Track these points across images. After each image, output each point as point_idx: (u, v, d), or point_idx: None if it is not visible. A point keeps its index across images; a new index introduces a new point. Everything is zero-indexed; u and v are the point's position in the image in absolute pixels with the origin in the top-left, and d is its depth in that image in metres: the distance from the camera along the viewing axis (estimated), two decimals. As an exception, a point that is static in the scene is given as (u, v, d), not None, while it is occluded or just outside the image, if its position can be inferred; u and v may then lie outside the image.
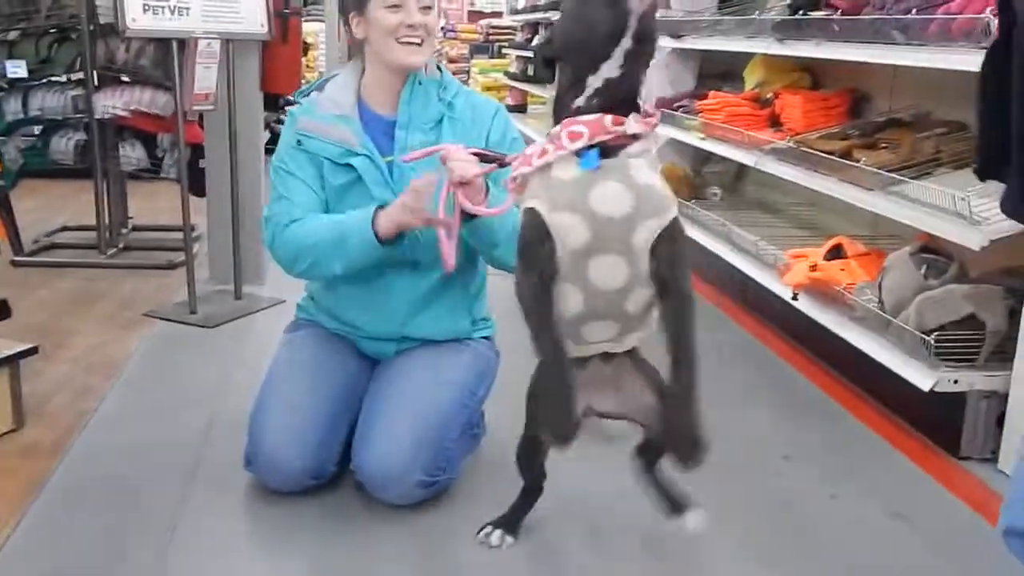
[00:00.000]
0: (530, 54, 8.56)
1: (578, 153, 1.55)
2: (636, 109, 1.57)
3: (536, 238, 1.58)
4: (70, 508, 2.10)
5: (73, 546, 1.95)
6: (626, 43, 1.50)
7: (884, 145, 2.96)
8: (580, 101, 1.56)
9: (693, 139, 4.03)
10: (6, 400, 2.49)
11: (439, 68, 2.22)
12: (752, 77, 3.91)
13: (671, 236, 1.60)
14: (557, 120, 1.60)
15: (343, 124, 2.12)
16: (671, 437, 1.67)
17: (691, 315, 1.63)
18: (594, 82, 1.54)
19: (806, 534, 2.05)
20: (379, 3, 2.06)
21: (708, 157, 4.39)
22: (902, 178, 2.66)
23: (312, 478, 2.08)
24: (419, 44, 2.08)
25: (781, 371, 3.10)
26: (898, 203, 2.63)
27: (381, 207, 2.01)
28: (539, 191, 1.59)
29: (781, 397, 2.86)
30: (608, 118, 1.54)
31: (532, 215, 1.58)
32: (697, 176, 4.50)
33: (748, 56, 3.97)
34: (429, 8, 2.08)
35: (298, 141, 2.14)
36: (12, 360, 2.49)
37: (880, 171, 2.73)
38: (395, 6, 2.05)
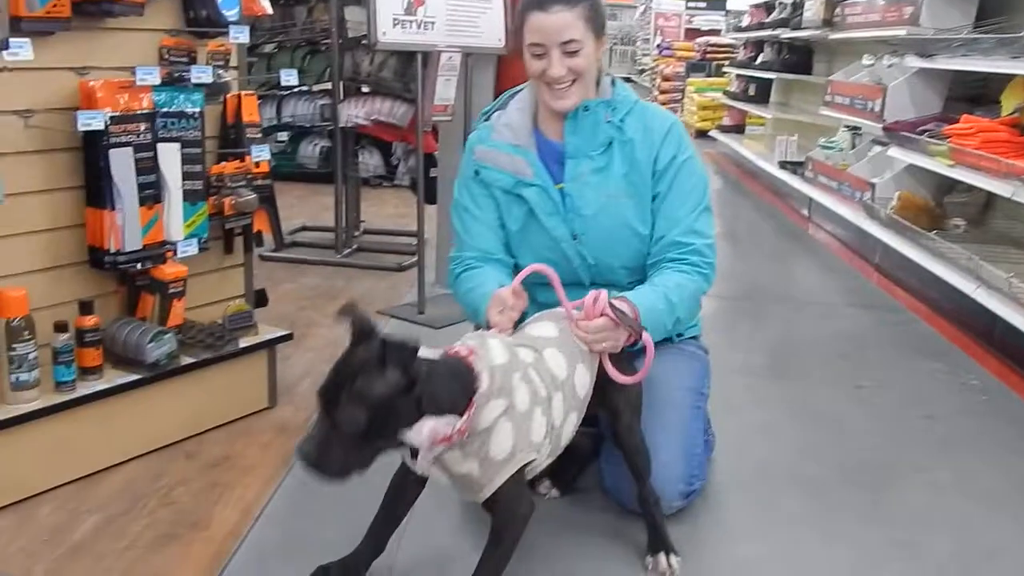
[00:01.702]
0: (751, 73, 8.38)
1: None
2: None
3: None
4: (315, 485, 2.23)
5: (320, 519, 2.09)
6: None
7: None
8: None
9: (940, 166, 3.79)
10: (263, 380, 2.70)
11: (613, 84, 2.13)
12: (1012, 100, 3.64)
13: None
14: None
15: (518, 154, 2.07)
16: None
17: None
18: None
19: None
20: (527, 46, 2.00)
21: (952, 186, 4.12)
22: None
23: None
24: (567, 87, 1.99)
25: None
26: None
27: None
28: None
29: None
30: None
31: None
32: (938, 206, 4.23)
33: (1004, 78, 3.70)
34: (575, 53, 1.96)
35: (476, 172, 2.13)
36: (271, 344, 2.70)
37: None
38: (539, 55, 1.98)
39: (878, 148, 5.29)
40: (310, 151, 4.91)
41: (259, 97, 4.75)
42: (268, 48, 5.14)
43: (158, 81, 2.30)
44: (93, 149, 2.21)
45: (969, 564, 2.00)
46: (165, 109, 2.35)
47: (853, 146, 5.93)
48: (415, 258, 3.90)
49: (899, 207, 4.38)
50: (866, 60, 5.54)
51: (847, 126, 5.96)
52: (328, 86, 4.72)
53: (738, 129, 9.25)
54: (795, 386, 3.09)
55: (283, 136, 5.10)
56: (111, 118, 2.19)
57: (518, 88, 2.18)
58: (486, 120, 2.20)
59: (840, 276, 4.93)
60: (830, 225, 5.86)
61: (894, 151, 4.51)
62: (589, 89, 2.06)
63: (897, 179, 4.57)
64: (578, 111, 2.04)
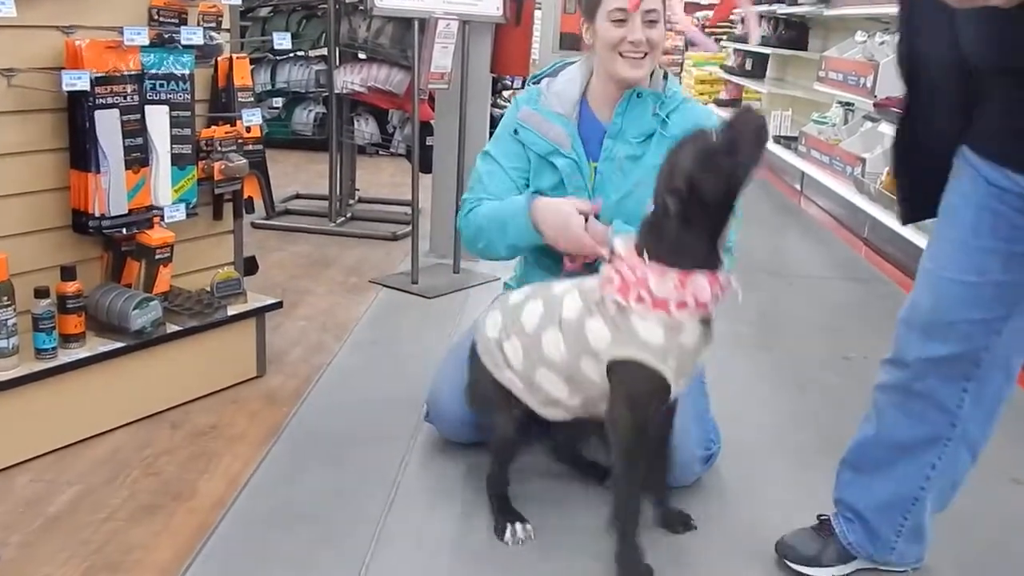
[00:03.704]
0: (749, 48, 8.32)
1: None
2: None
3: (657, 399, 1.73)
4: (304, 455, 2.23)
5: (306, 489, 2.07)
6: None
7: None
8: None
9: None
10: (252, 349, 2.67)
11: (666, 77, 2.15)
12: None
13: None
14: (668, 256, 1.65)
15: (559, 124, 2.11)
16: None
17: None
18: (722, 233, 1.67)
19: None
20: (605, 15, 2.02)
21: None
22: None
23: (475, 428, 2.12)
24: (641, 58, 2.03)
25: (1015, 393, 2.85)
26: None
27: (540, 193, 2.03)
28: (667, 353, 1.67)
29: (1013, 419, 2.62)
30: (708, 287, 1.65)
31: (659, 382, 1.69)
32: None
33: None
34: (655, 23, 2.02)
35: (515, 130, 2.16)
36: (260, 313, 2.67)
37: None
38: (620, 21, 2.00)
39: (869, 124, 5.34)
40: (305, 118, 4.84)
41: (253, 62, 4.75)
42: (263, 12, 5.05)
43: (146, 42, 2.25)
44: (78, 110, 2.15)
45: (958, 528, 1.99)
46: (154, 71, 2.30)
47: (846, 121, 5.96)
48: (410, 227, 3.86)
49: (888, 182, 4.40)
50: (859, 37, 5.57)
51: (840, 102, 5.99)
52: (324, 52, 4.65)
53: (735, 103, 9.19)
54: (784, 357, 3.08)
55: (277, 102, 5.04)
56: (97, 79, 2.14)
57: (570, 60, 2.22)
58: (536, 83, 2.22)
59: (830, 249, 4.95)
60: (821, 199, 5.88)
61: (885, 127, 4.53)
62: (652, 69, 2.09)
63: (887, 154, 4.56)
64: (632, 96, 2.08)
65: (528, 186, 2.14)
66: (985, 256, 1.51)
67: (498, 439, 1.95)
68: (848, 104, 5.87)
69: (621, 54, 2.02)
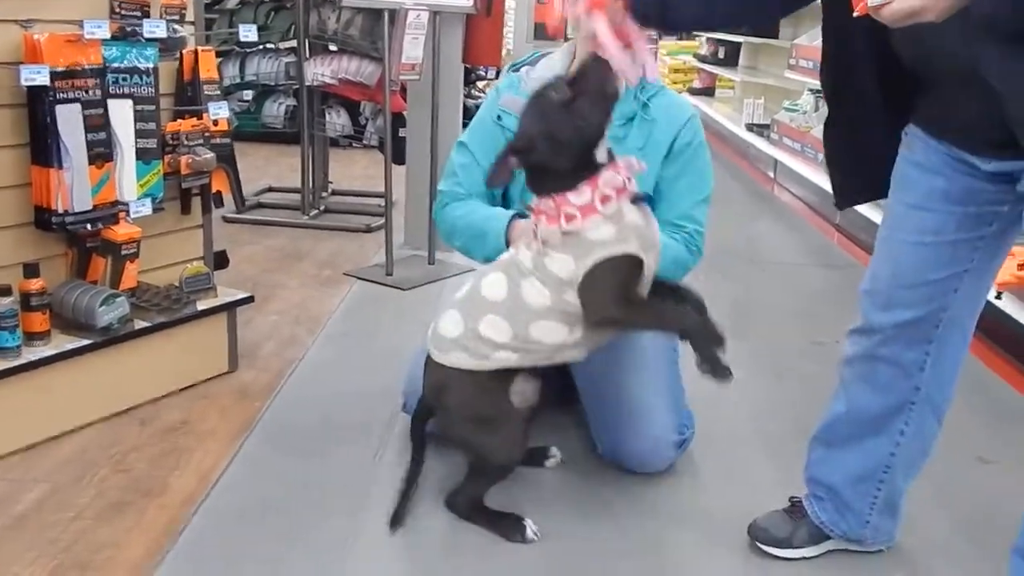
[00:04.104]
0: (721, 36, 8.33)
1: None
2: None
3: (635, 277, 1.77)
4: (277, 450, 2.21)
5: (279, 486, 2.05)
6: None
7: None
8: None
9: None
10: (223, 344, 2.65)
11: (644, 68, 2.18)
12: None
13: None
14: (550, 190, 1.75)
15: None
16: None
17: None
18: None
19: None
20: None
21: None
22: None
23: None
24: None
25: (982, 375, 2.88)
26: None
27: (520, 215, 2.03)
28: (625, 237, 1.74)
29: (979, 399, 2.65)
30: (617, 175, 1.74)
31: (630, 260, 1.75)
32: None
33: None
34: None
35: (499, 116, 2.17)
36: (230, 307, 2.65)
37: None
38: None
39: (839, 111, 5.34)
40: (275, 110, 4.81)
41: (222, 55, 4.71)
42: (231, 4, 5.01)
43: (108, 35, 2.21)
44: (38, 105, 2.12)
45: (927, 508, 2.02)
46: (116, 64, 2.27)
47: (816, 109, 5.99)
48: (383, 219, 3.84)
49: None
50: (828, 25, 5.56)
51: (811, 89, 6.03)
52: (293, 44, 4.61)
53: (708, 92, 9.23)
54: (757, 344, 3.09)
55: (247, 95, 4.99)
56: (57, 73, 2.10)
57: (548, 50, 2.26)
58: (515, 72, 2.24)
59: (802, 235, 4.98)
60: (794, 186, 5.92)
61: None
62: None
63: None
64: None
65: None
66: (940, 217, 1.57)
67: (501, 458, 1.87)
68: (819, 91, 5.88)
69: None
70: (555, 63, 2.18)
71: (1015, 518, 1.49)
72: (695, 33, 9.73)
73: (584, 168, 1.73)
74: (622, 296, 1.75)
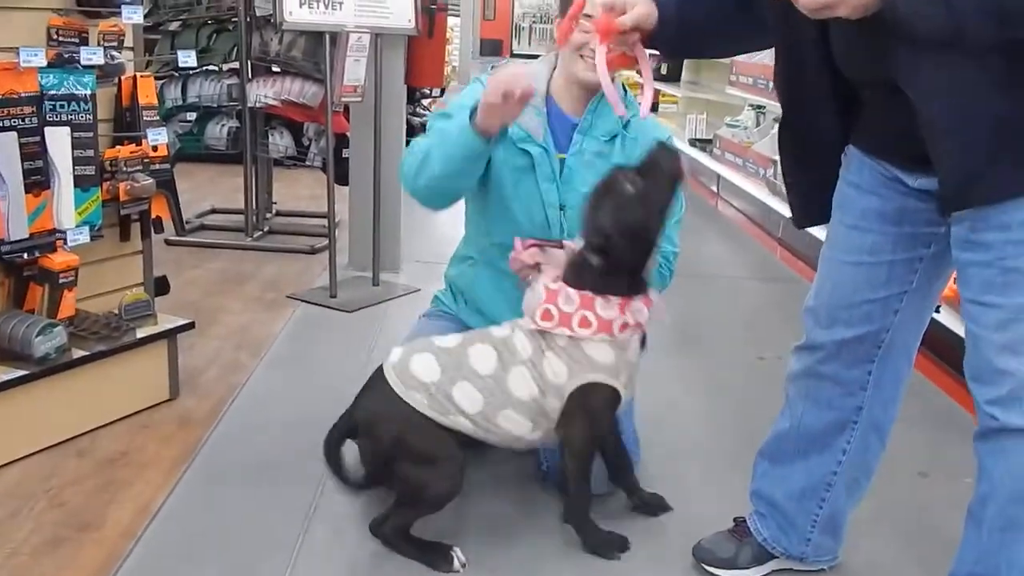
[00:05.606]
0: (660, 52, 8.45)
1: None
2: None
3: (611, 411, 1.90)
4: (220, 479, 2.20)
5: (220, 515, 2.04)
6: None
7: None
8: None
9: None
10: (164, 372, 2.63)
11: (624, 88, 2.22)
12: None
13: None
14: (594, 290, 1.80)
15: (534, 113, 2.12)
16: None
17: None
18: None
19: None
20: (583, 17, 1.99)
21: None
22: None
23: None
24: None
25: (921, 387, 2.96)
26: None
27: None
28: (619, 370, 1.84)
29: (919, 412, 2.72)
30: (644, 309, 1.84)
31: (614, 395, 1.86)
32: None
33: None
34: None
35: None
36: (171, 334, 2.62)
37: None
38: (586, 30, 2.01)
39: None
40: (218, 132, 4.76)
41: (163, 77, 4.67)
42: (173, 26, 4.96)
43: (44, 63, 2.20)
44: (-28, 134, 2.10)
45: (868, 524, 2.05)
46: (54, 92, 2.25)
47: (757, 124, 6.09)
48: (327, 240, 3.83)
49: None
50: (770, 41, 5.67)
51: (752, 105, 6.12)
52: (236, 65, 4.58)
53: (653, 108, 9.32)
54: (701, 360, 3.15)
55: (190, 117, 4.94)
56: (-9, 102, 2.08)
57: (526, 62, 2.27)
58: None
59: (745, 250, 5.08)
60: (737, 201, 6.02)
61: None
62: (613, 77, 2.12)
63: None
64: (601, 96, 2.12)
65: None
66: (876, 237, 1.61)
67: (437, 493, 1.85)
68: (760, 107, 6.01)
69: (582, 56, 2.06)
70: (540, 73, 2.17)
71: (957, 531, 1.53)
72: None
73: (637, 272, 1.81)
74: (592, 423, 1.86)
